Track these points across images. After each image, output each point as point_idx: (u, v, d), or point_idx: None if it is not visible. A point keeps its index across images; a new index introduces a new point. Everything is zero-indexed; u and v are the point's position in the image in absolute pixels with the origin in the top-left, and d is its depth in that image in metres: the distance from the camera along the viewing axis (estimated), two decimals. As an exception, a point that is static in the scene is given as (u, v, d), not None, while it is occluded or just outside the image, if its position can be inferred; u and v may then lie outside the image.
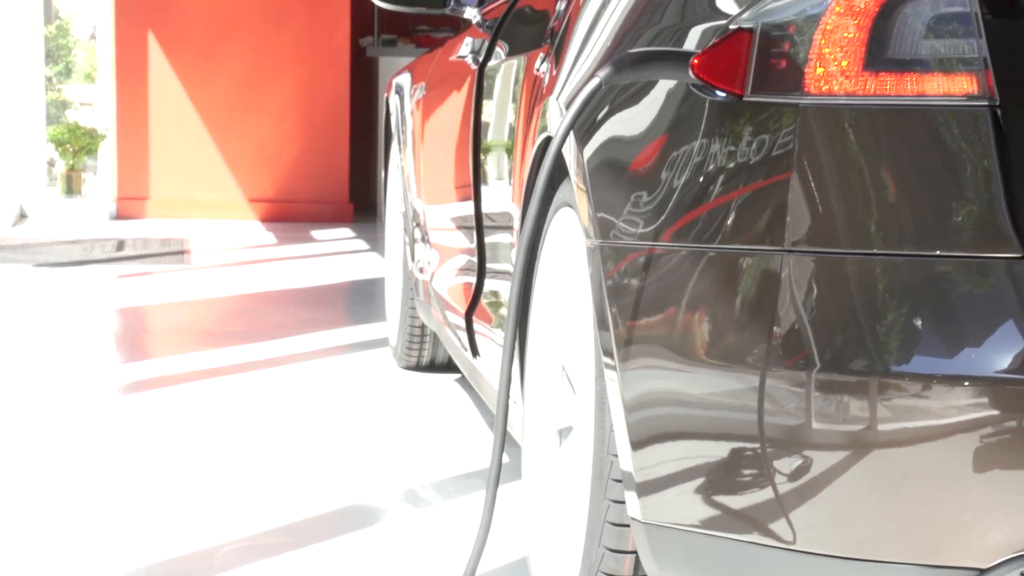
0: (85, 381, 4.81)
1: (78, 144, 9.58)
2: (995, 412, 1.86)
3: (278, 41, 8.93)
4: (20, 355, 5.21)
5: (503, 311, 3.27)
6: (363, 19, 9.17)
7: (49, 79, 10.86)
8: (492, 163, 3.46)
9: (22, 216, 8.97)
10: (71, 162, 9.64)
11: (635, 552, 2.32)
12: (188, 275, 7.03)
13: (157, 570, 3.06)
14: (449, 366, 4.83)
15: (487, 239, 3.50)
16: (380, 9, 4.49)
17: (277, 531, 3.31)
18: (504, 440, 2.59)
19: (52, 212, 9.18)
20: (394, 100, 5.08)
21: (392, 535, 3.31)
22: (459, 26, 4.44)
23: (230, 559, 3.13)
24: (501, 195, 3.31)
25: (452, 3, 4.17)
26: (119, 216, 8.98)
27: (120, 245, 7.81)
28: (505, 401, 2.56)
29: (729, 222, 2.06)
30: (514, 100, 3.19)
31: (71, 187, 9.67)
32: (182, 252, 7.64)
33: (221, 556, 3.15)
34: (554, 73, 2.78)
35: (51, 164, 9.98)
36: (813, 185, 1.97)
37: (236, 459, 3.89)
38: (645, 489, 2.18)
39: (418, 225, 4.53)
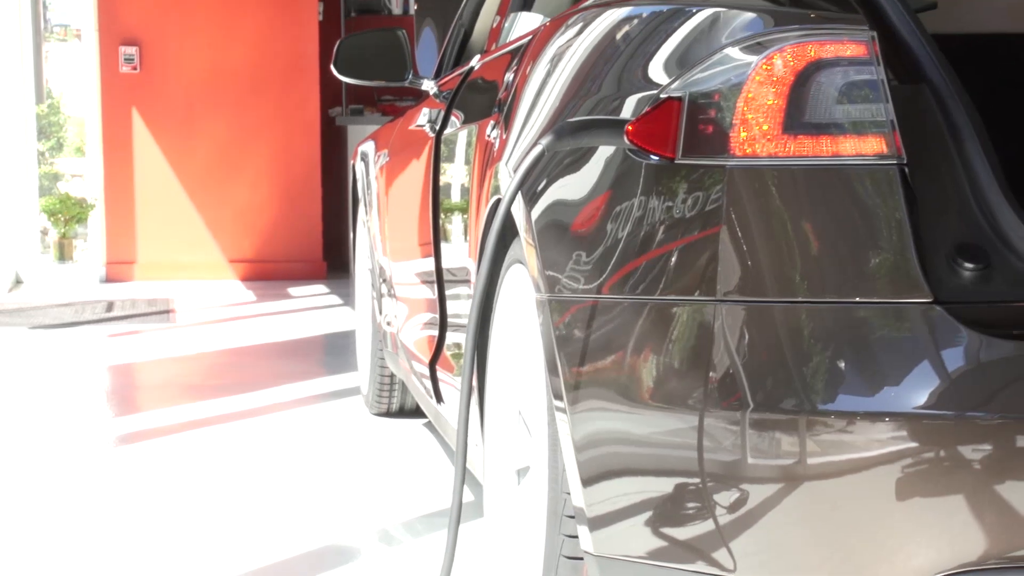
0: (81, 434, 4.78)
1: (69, 213, 9.56)
2: (914, 444, 1.87)
3: (253, 113, 8.94)
4: (20, 411, 5.19)
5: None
6: (332, 91, 9.19)
7: (42, 154, 10.83)
8: (450, 223, 3.47)
9: (18, 282, 8.94)
10: (63, 230, 9.62)
11: (588, 583, 2.32)
12: (174, 333, 7.01)
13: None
14: (417, 412, 4.82)
15: (448, 292, 3.50)
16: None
17: (260, 571, 3.30)
18: (463, 481, 2.59)
19: (46, 277, 9.15)
20: (360, 166, 5.09)
21: (368, 571, 3.30)
22: (420, 95, 4.45)
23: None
24: (459, 252, 3.32)
25: (410, 76, 4.19)
26: (108, 279, 8.95)
27: (110, 306, 7.79)
28: (464, 445, 2.56)
29: (665, 275, 2.06)
30: (468, 164, 3.20)
31: (63, 253, 9.64)
32: (168, 311, 7.61)
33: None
34: (504, 138, 2.79)
35: (44, 232, 9.94)
36: (741, 239, 1.98)
37: (221, 504, 3.87)
38: (596, 524, 2.18)
39: (384, 281, 4.53)
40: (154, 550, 3.46)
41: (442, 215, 3.56)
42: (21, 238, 9.19)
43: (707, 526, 2.00)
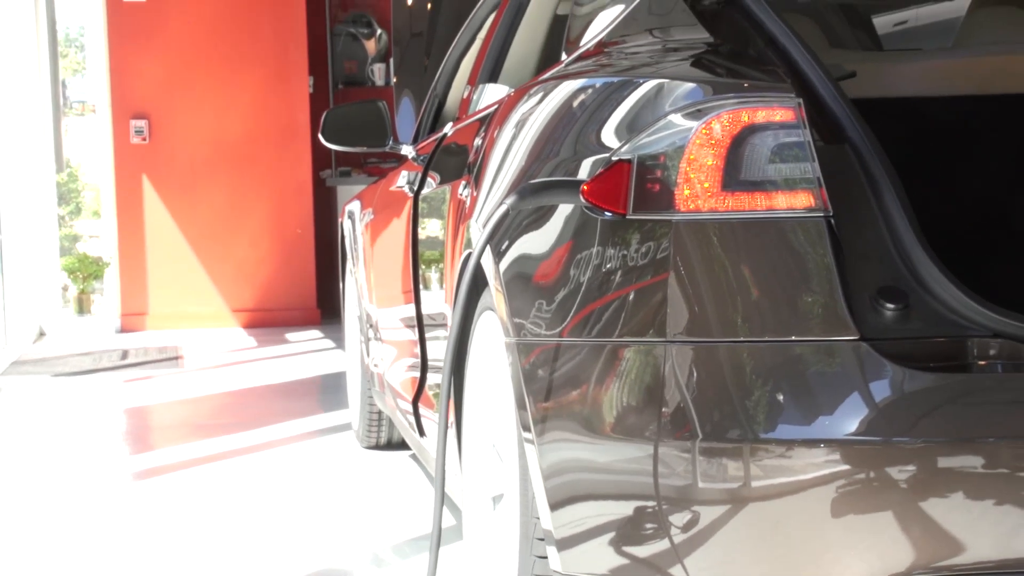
0: (101, 470, 4.76)
1: (87, 271, 9.54)
2: (846, 467, 1.87)
3: (251, 176, 8.94)
4: (45, 451, 5.15)
5: (443, 398, 3.27)
6: (323, 155, 9.20)
7: (62, 217, 10.81)
8: (428, 273, 3.47)
9: (41, 334, 8.90)
10: (82, 286, 9.59)
11: (558, 599, 2.31)
12: (183, 377, 6.98)
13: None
14: (403, 445, 4.80)
15: (427, 336, 3.50)
16: (333, 147, 4.51)
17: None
18: (442, 507, 2.58)
19: (66, 329, 9.12)
20: (347, 223, 5.09)
21: (358, 592, 3.29)
22: (400, 158, 4.46)
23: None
24: (437, 300, 3.32)
25: (391, 142, 4.19)
26: (123, 330, 8.92)
27: (124, 355, 7.75)
28: (442, 474, 2.55)
29: (620, 318, 2.07)
30: (443, 221, 3.20)
31: (82, 307, 9.61)
32: (177, 358, 7.59)
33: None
34: (474, 196, 2.80)
35: (65, 289, 9.90)
36: (688, 285, 1.99)
37: (228, 532, 3.85)
38: (563, 545, 2.17)
39: (371, 326, 4.52)
40: (166, 567, 3.44)
41: (421, 267, 3.56)
42: (44, 294, 9.17)
43: (663, 545, 2.00)
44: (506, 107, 2.83)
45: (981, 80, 2.76)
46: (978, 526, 1.86)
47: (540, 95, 2.61)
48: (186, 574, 3.46)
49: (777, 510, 1.90)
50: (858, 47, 4.01)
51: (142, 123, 8.90)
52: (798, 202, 1.97)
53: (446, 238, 3.12)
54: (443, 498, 2.56)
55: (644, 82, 2.21)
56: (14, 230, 8.26)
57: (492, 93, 3.29)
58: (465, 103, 3.57)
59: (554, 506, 2.18)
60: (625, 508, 2.04)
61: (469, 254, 2.70)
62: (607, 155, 2.14)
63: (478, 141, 2.95)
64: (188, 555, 3.63)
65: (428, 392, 3.50)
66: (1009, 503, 1.86)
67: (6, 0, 8.26)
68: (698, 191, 1.99)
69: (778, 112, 1.99)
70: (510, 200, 2.33)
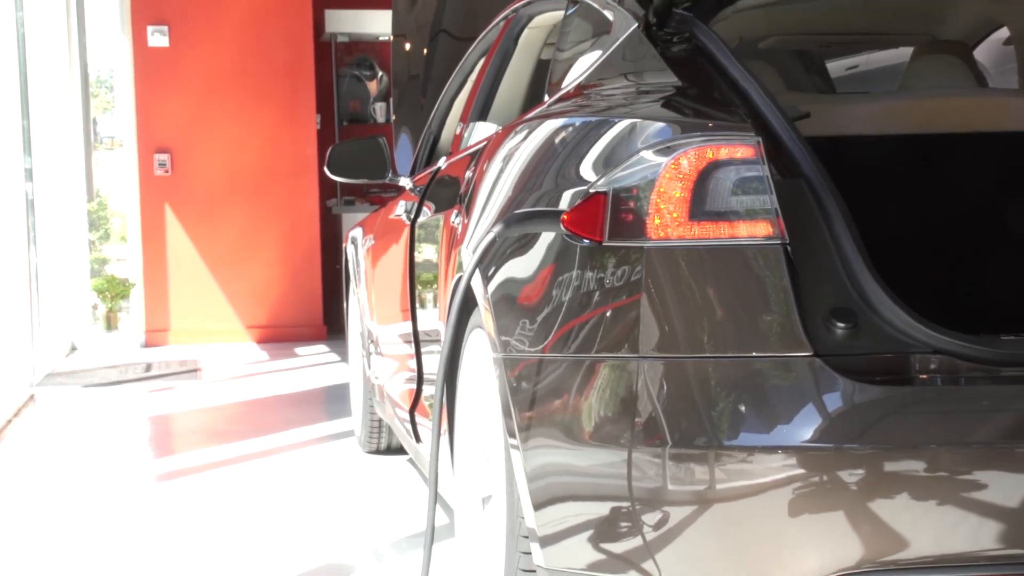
0: (127, 473, 4.76)
1: (115, 291, 9.53)
2: (801, 471, 1.87)
3: (264, 205, 8.94)
4: (76, 455, 5.14)
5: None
6: (329, 185, 9.21)
7: (92, 242, 10.79)
8: (424, 294, 3.47)
9: (73, 349, 8.88)
10: (110, 305, 9.59)
11: (541, 591, 2.31)
12: (201, 388, 6.97)
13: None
14: (401, 450, 4.80)
15: (423, 351, 3.50)
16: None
17: (271, 586, 3.28)
18: (435, 507, 2.58)
19: (95, 344, 9.10)
20: (350, 248, 5.09)
21: (360, 584, 3.28)
22: (399, 189, 4.46)
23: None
24: (431, 318, 3.31)
25: (390, 174, 4.20)
26: (147, 344, 8.90)
27: (148, 367, 7.74)
28: (435, 477, 2.55)
29: (597, 336, 2.07)
30: (437, 246, 3.20)
31: (110, 324, 9.61)
32: (196, 370, 7.57)
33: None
34: (465, 224, 2.80)
35: (95, 307, 9.89)
36: (658, 306, 1.99)
37: (241, 529, 3.85)
38: (546, 542, 2.17)
39: (372, 342, 4.52)
40: (185, 566, 3.43)
41: (417, 288, 3.56)
42: (75, 312, 9.15)
43: (636, 542, 1.99)
44: (494, 143, 2.83)
45: (922, 120, 2.77)
46: (920, 525, 1.86)
47: (525, 133, 2.61)
48: (203, 566, 3.46)
49: (739, 510, 1.90)
50: (813, 90, 4.02)
51: (165, 157, 8.91)
52: (758, 231, 1.97)
53: (440, 262, 3.12)
54: (436, 498, 2.55)
55: (619, 121, 2.22)
56: (49, 254, 8.25)
57: (482, 130, 3.30)
58: (457, 139, 3.57)
59: (537, 506, 2.18)
60: (602, 508, 2.04)
61: (460, 277, 2.71)
62: (585, 188, 2.14)
63: (469, 174, 2.96)
64: (206, 549, 3.63)
65: (424, 402, 3.50)
66: (948, 504, 1.86)
67: (44, 47, 8.26)
68: (668, 220, 1.99)
69: (739, 149, 2.00)
70: (497, 228, 2.33)
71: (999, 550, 1.86)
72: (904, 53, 4.01)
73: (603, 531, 2.04)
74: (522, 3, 3.43)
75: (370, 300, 4.54)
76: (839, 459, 1.86)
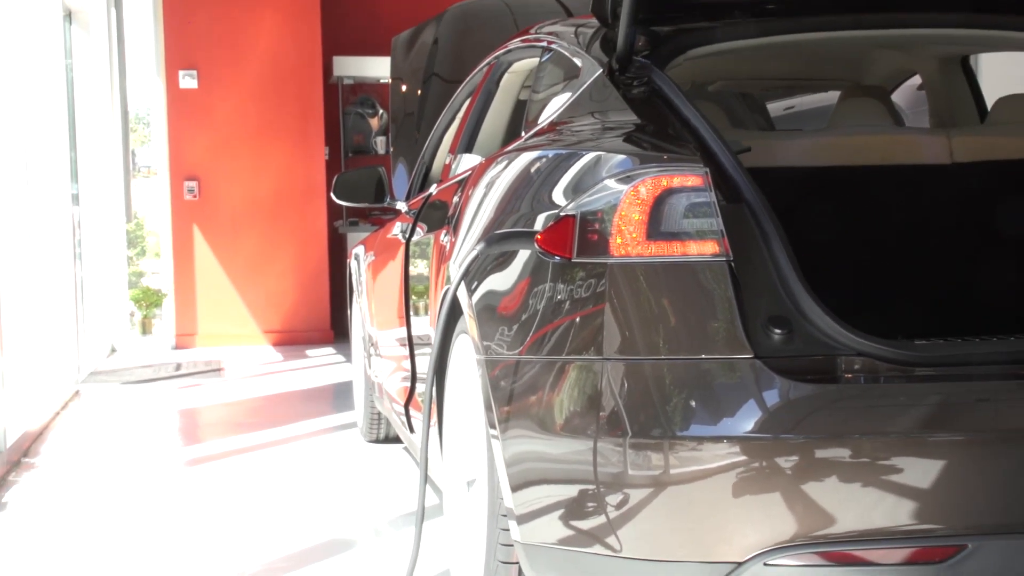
0: (160, 458, 4.73)
1: (149, 300, 9.47)
2: (743, 458, 1.87)
3: (279, 226, 8.91)
4: (117, 443, 5.11)
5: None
6: (336, 208, 9.18)
7: (130, 258, 10.73)
8: (417, 303, 3.46)
9: (112, 350, 8.83)
10: (145, 312, 9.52)
11: (518, 563, 2.30)
12: (224, 385, 6.93)
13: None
14: (397, 440, 4.79)
15: (416, 353, 3.49)
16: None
17: (284, 558, 3.26)
18: (425, 489, 2.56)
19: (132, 346, 9.04)
20: (354, 264, 5.08)
21: (362, 557, 3.26)
22: (396, 212, 4.45)
23: (251, 579, 3.08)
24: (423, 324, 3.30)
25: (388, 199, 4.19)
26: (177, 347, 8.85)
27: (178, 367, 7.70)
28: (425, 463, 2.54)
29: (566, 340, 2.06)
30: (428, 261, 3.20)
31: (145, 329, 9.54)
32: (219, 369, 7.53)
33: (245, 577, 3.09)
34: (453, 242, 2.79)
35: (132, 314, 9.81)
36: (620, 315, 1.99)
37: (258, 507, 3.84)
38: (522, 520, 2.16)
39: (372, 345, 4.50)
40: (210, 538, 3.42)
41: (411, 298, 3.55)
42: (115, 319, 9.10)
43: (601, 519, 1.99)
44: (478, 172, 2.82)
45: (848, 154, 2.77)
46: (846, 504, 1.86)
47: (505, 163, 2.61)
48: (226, 537, 3.44)
49: (690, 492, 1.89)
50: (754, 127, 4.03)
51: (193, 183, 8.88)
52: (706, 249, 1.97)
53: (431, 275, 3.11)
54: (426, 482, 2.54)
55: (586, 154, 2.21)
56: (92, 268, 8.22)
57: (468, 161, 3.29)
58: (447, 168, 3.57)
59: (515, 489, 2.17)
60: (571, 490, 2.04)
61: (448, 289, 2.71)
62: (556, 211, 2.14)
63: (456, 199, 2.95)
64: (227, 523, 3.63)
65: (417, 397, 3.49)
66: (870, 486, 1.86)
67: (89, 88, 8.26)
68: (628, 240, 1.99)
69: (690, 178, 2.00)
70: (480, 246, 2.32)
71: (913, 525, 1.86)
72: (832, 96, 4.02)
73: (572, 510, 2.04)
74: (503, 51, 3.43)
75: (371, 308, 4.53)
76: (776, 447, 1.86)
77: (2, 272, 4.54)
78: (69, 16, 8.02)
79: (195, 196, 8.89)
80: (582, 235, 2.05)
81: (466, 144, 3.50)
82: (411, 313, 3.55)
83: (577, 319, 2.04)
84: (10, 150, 5.13)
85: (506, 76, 3.45)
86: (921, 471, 1.85)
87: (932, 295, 2.79)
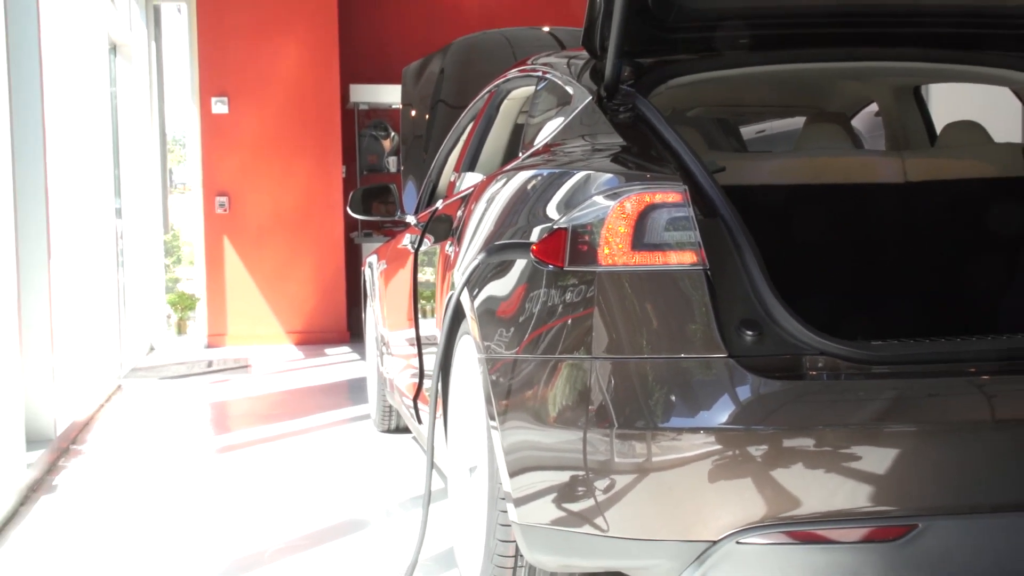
0: (194, 445, 4.72)
1: (184, 304, 9.45)
2: (719, 447, 1.86)
3: (301, 237, 8.90)
4: (155, 431, 5.10)
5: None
6: (351, 221, 9.17)
7: (167, 265, 10.70)
8: (424, 307, 3.45)
9: (151, 349, 8.81)
10: (180, 315, 9.51)
11: (515, 542, 2.29)
12: (251, 380, 6.92)
13: (233, 558, 2.98)
14: (406, 430, 4.78)
15: (424, 352, 3.48)
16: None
17: (303, 536, 3.25)
18: (431, 476, 2.56)
19: (169, 345, 9.02)
20: (367, 271, 5.07)
21: (374, 535, 3.25)
22: (406, 225, 4.45)
23: (275, 555, 3.06)
24: (430, 326, 3.30)
25: (399, 213, 4.19)
26: (209, 346, 8.83)
27: (210, 364, 7.68)
28: (431, 451, 2.53)
29: (559, 341, 2.05)
30: (434, 269, 3.19)
31: (180, 330, 9.52)
32: (247, 366, 7.52)
33: (269, 553, 3.08)
34: (457, 252, 2.78)
35: (168, 317, 9.79)
36: (607, 318, 1.98)
37: (281, 489, 3.83)
38: (519, 503, 2.15)
39: (384, 344, 4.49)
40: (238, 518, 3.41)
41: (419, 302, 3.54)
42: (154, 320, 9.08)
43: (590, 502, 1.98)
44: (480, 189, 2.82)
45: (813, 174, 2.77)
46: (810, 488, 1.85)
47: (503, 181, 2.60)
48: (252, 517, 3.43)
49: (670, 478, 1.89)
50: (728, 149, 4.02)
51: (224, 199, 8.87)
52: (685, 259, 1.97)
53: (437, 282, 3.10)
54: (432, 468, 2.53)
55: (577, 173, 2.21)
56: (133, 274, 8.21)
57: (470, 179, 3.29)
58: (451, 185, 3.56)
59: (512, 474, 2.16)
60: (563, 476, 2.03)
61: (452, 294, 2.70)
62: (550, 224, 2.13)
63: (460, 213, 2.95)
64: (254, 504, 3.62)
65: (424, 392, 3.48)
66: (832, 472, 1.85)
67: (131, 113, 8.26)
68: (615, 250, 1.99)
69: (670, 195, 1.99)
70: (481, 256, 2.32)
71: (870, 507, 1.86)
72: (799, 121, 4.02)
73: (564, 494, 2.03)
74: (502, 80, 3.43)
75: (383, 311, 4.52)
76: (748, 438, 1.85)
77: (53, 277, 4.54)
78: (114, 49, 8.02)
79: (225, 210, 8.88)
80: (573, 246, 2.04)
81: (469, 163, 3.50)
82: (419, 316, 3.54)
83: (568, 321, 2.03)
84: (62, 168, 5.12)
85: (505, 102, 3.45)
86: (877, 458, 1.85)
87: (888, 300, 2.79)
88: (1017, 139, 4.25)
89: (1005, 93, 2.92)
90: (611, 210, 2.00)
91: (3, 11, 3.93)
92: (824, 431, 1.86)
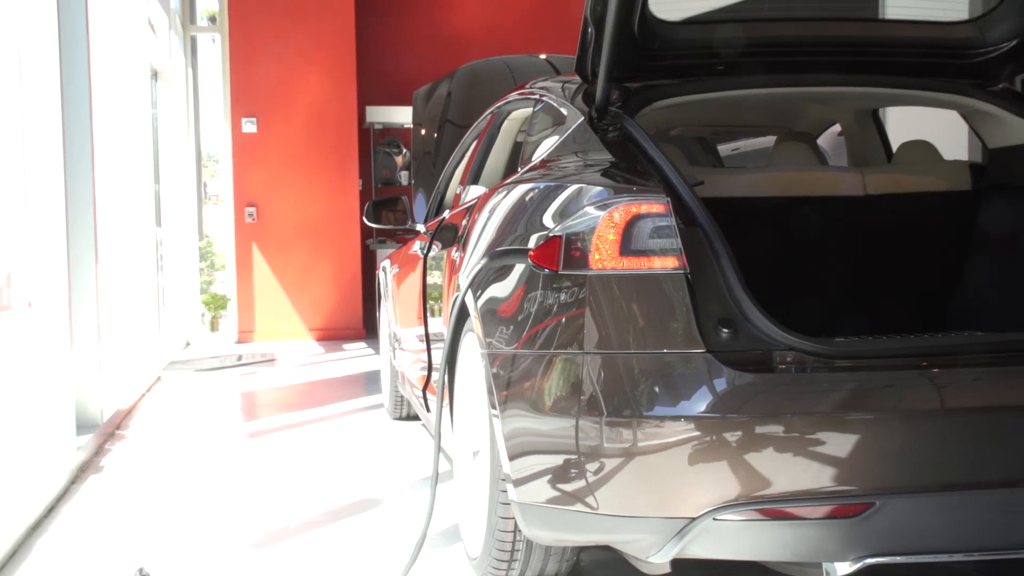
0: (226, 431, 4.71)
1: (216, 304, 9.44)
2: (698, 433, 1.86)
3: (321, 243, 8.89)
4: (190, 418, 5.10)
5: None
6: (367, 229, 9.17)
7: (201, 269, 10.69)
8: (433, 307, 3.45)
9: (187, 344, 8.80)
10: (213, 314, 9.50)
11: (514, 519, 2.29)
12: (277, 372, 6.91)
13: (263, 531, 2.98)
14: (416, 418, 4.77)
15: (432, 347, 3.48)
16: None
17: (323, 513, 3.24)
18: (439, 459, 2.55)
19: (203, 341, 9.02)
20: (381, 275, 5.07)
21: (387, 512, 3.25)
22: (416, 233, 4.45)
23: (299, 528, 3.06)
24: (438, 324, 3.29)
25: (410, 222, 4.19)
26: (239, 341, 8.82)
27: (239, 357, 7.67)
28: (438, 437, 2.52)
29: (554, 337, 2.05)
30: (442, 272, 3.19)
31: (213, 327, 9.51)
32: (272, 360, 7.51)
33: (294, 527, 3.07)
34: (462, 257, 2.78)
35: (203, 315, 9.78)
36: (597, 316, 1.98)
37: (303, 470, 3.82)
38: (518, 483, 2.15)
39: (396, 340, 4.49)
40: (264, 496, 3.40)
41: (428, 302, 3.54)
42: (189, 318, 9.08)
43: (581, 483, 1.98)
44: (482, 201, 2.81)
45: (782, 187, 2.77)
46: (780, 470, 1.85)
47: (504, 193, 2.60)
48: (277, 495, 3.42)
49: (654, 460, 1.88)
50: (707, 164, 4.02)
51: (253, 209, 8.86)
52: (667, 264, 1.96)
53: (444, 284, 3.10)
54: (440, 452, 2.53)
55: (570, 186, 2.21)
56: (172, 277, 8.20)
57: (474, 191, 3.29)
58: (457, 197, 3.56)
59: (512, 458, 2.16)
60: (557, 459, 2.03)
61: (457, 295, 2.70)
62: (546, 232, 2.13)
63: (465, 222, 2.94)
64: (279, 483, 3.61)
65: (432, 383, 3.48)
66: (799, 455, 1.85)
67: (170, 132, 8.27)
68: (604, 256, 1.98)
69: (655, 206, 1.99)
70: (484, 261, 2.31)
71: (833, 487, 1.86)
72: (770, 140, 4.02)
73: (558, 475, 2.03)
74: (503, 102, 3.43)
75: (395, 311, 4.52)
76: (723, 424, 1.85)
77: (100, 280, 4.54)
78: (155, 75, 8.03)
79: (254, 219, 8.87)
80: (567, 252, 2.04)
81: (473, 177, 3.49)
82: (428, 314, 3.54)
83: (563, 320, 2.03)
84: (108, 182, 5.12)
85: (506, 122, 3.45)
86: (839, 443, 1.85)
87: (850, 300, 2.79)
88: (964, 157, 4.25)
89: (953, 116, 2.93)
90: (601, 219, 2.00)
91: (58, 42, 3.94)
92: (792, 419, 1.85)
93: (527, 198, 2.40)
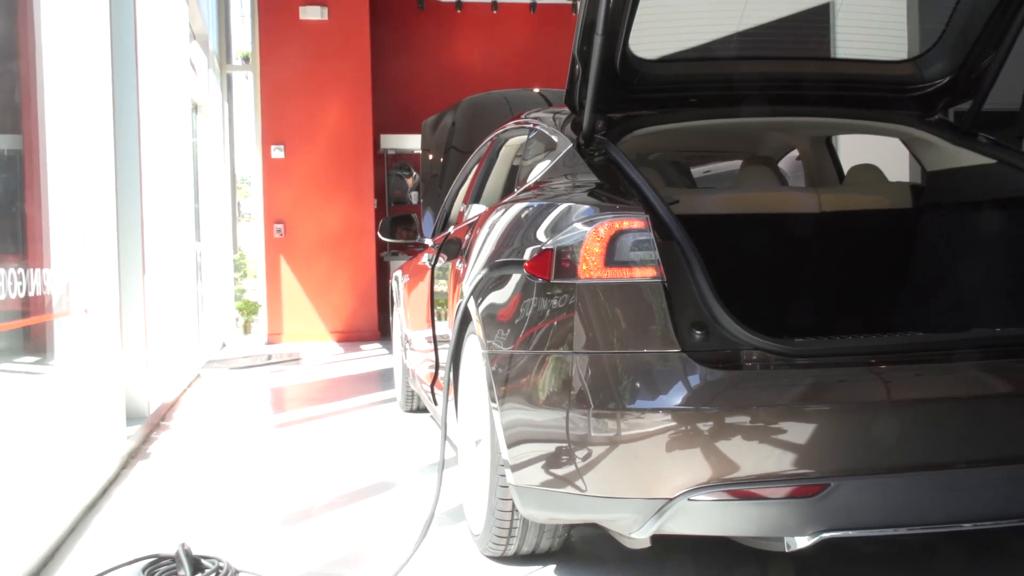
0: (257, 422, 4.69)
1: (249, 310, 9.45)
2: (674, 423, 1.85)
3: (340, 255, 8.89)
4: (226, 410, 5.08)
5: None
6: (381, 244, 9.16)
7: (236, 279, 10.68)
8: (439, 312, 3.44)
9: (223, 345, 8.79)
10: (246, 318, 9.51)
11: (512, 500, 2.28)
12: (302, 370, 6.90)
13: (290, 510, 2.96)
14: (425, 410, 4.76)
15: (439, 347, 3.47)
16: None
17: (342, 495, 3.23)
18: (445, 447, 2.54)
19: (237, 342, 9.00)
20: (393, 283, 5.06)
21: (400, 494, 3.23)
22: (424, 246, 4.44)
23: (322, 509, 3.04)
24: (444, 327, 3.28)
25: (419, 237, 4.18)
26: (269, 342, 8.81)
27: (269, 357, 7.65)
28: (444, 427, 2.52)
29: (546, 339, 2.05)
30: (447, 281, 3.18)
31: (246, 330, 9.52)
32: (298, 359, 7.49)
33: (317, 507, 3.06)
34: (465, 267, 2.77)
35: (237, 319, 9.77)
36: (585, 320, 1.97)
37: (325, 456, 3.80)
38: (515, 468, 2.14)
39: (407, 342, 4.48)
40: (291, 480, 3.39)
41: (435, 307, 3.53)
42: (225, 322, 9.07)
43: (571, 468, 1.97)
44: (483, 218, 2.81)
45: (747, 206, 2.77)
46: (746, 455, 1.84)
47: (502, 211, 2.60)
48: (302, 479, 3.41)
49: (635, 448, 1.88)
50: (682, 185, 4.02)
51: (280, 225, 8.86)
52: (647, 273, 1.96)
53: (449, 292, 3.09)
54: (446, 440, 2.52)
55: (560, 204, 2.20)
56: (210, 285, 8.19)
57: (476, 209, 3.28)
58: (461, 215, 3.55)
59: (510, 446, 2.15)
60: (550, 447, 2.02)
61: (461, 302, 2.70)
62: (539, 246, 2.12)
63: (467, 236, 2.94)
64: (304, 467, 3.59)
65: (439, 380, 3.46)
66: (763, 442, 1.85)
67: (208, 157, 8.28)
68: (591, 267, 1.98)
69: (635, 222, 1.99)
70: (484, 271, 2.31)
71: (793, 470, 1.85)
72: (736, 163, 4.02)
73: (551, 461, 2.02)
74: (501, 131, 3.43)
75: (406, 315, 4.51)
76: (697, 416, 1.85)
77: (147, 289, 4.53)
78: (196, 108, 8.03)
79: (282, 235, 8.87)
80: (558, 263, 2.04)
81: (475, 197, 3.49)
82: (435, 319, 3.53)
83: (554, 323, 2.02)
84: (154, 203, 5.11)
85: (503, 148, 3.45)
86: (799, 431, 1.84)
87: (808, 305, 2.78)
88: (905, 179, 4.25)
89: (896, 143, 2.93)
90: (588, 234, 1.99)
91: (111, 82, 3.96)
92: (757, 410, 1.85)
93: (522, 215, 2.40)
